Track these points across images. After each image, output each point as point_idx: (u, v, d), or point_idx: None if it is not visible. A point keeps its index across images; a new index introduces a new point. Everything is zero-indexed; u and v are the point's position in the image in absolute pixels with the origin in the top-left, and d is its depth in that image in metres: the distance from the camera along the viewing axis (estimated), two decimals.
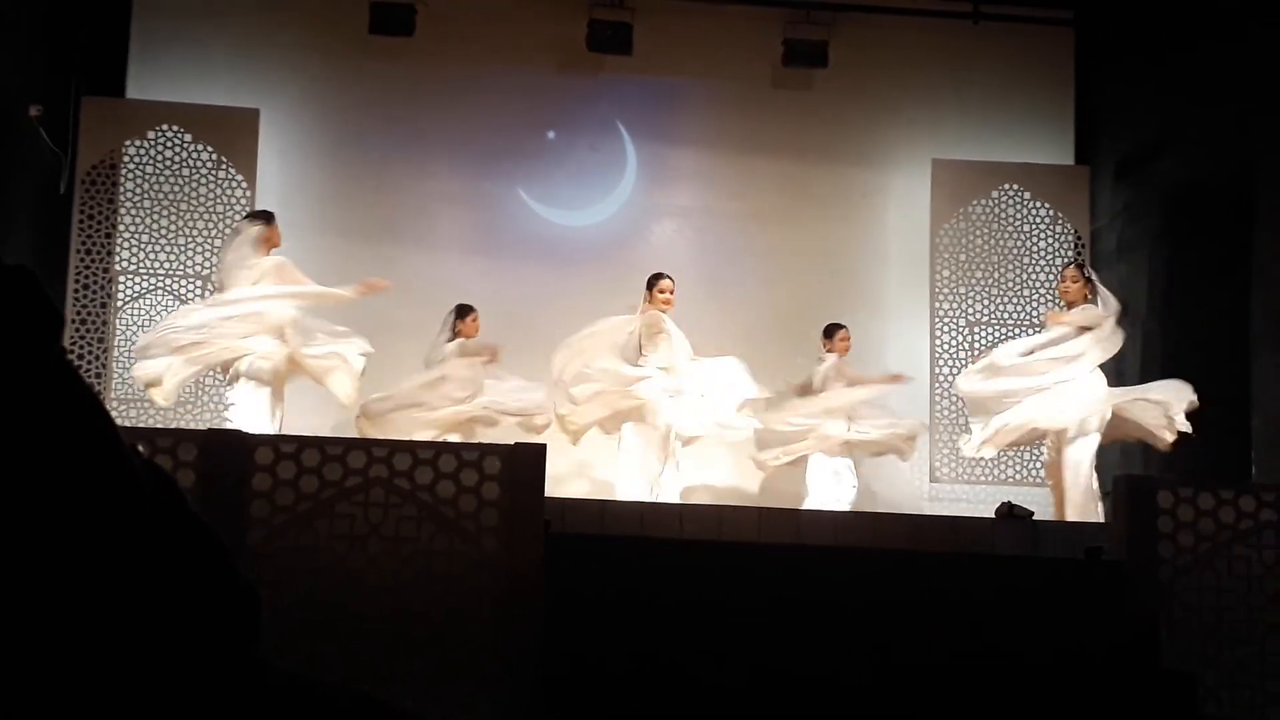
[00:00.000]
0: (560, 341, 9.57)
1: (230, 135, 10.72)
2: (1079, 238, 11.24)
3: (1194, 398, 8.83)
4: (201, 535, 1.11)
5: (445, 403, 9.35)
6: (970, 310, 11.18)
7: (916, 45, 11.56)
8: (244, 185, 10.66)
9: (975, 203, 11.28)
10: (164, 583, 1.06)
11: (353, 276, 10.84)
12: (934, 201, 11.25)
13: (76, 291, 10.38)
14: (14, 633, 1.00)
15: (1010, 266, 11.22)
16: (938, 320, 11.16)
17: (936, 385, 11.07)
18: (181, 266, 10.55)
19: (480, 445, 6.57)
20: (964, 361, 11.10)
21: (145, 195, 10.60)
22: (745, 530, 8.13)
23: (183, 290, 10.54)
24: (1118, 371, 10.39)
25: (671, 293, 9.54)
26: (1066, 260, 10.70)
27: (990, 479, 10.79)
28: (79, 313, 10.33)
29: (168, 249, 10.57)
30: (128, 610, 1.04)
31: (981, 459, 10.43)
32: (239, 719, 1.08)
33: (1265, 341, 8.98)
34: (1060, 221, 11.30)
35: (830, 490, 9.72)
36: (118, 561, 1.04)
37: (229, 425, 8.26)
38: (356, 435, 8.82)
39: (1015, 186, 11.32)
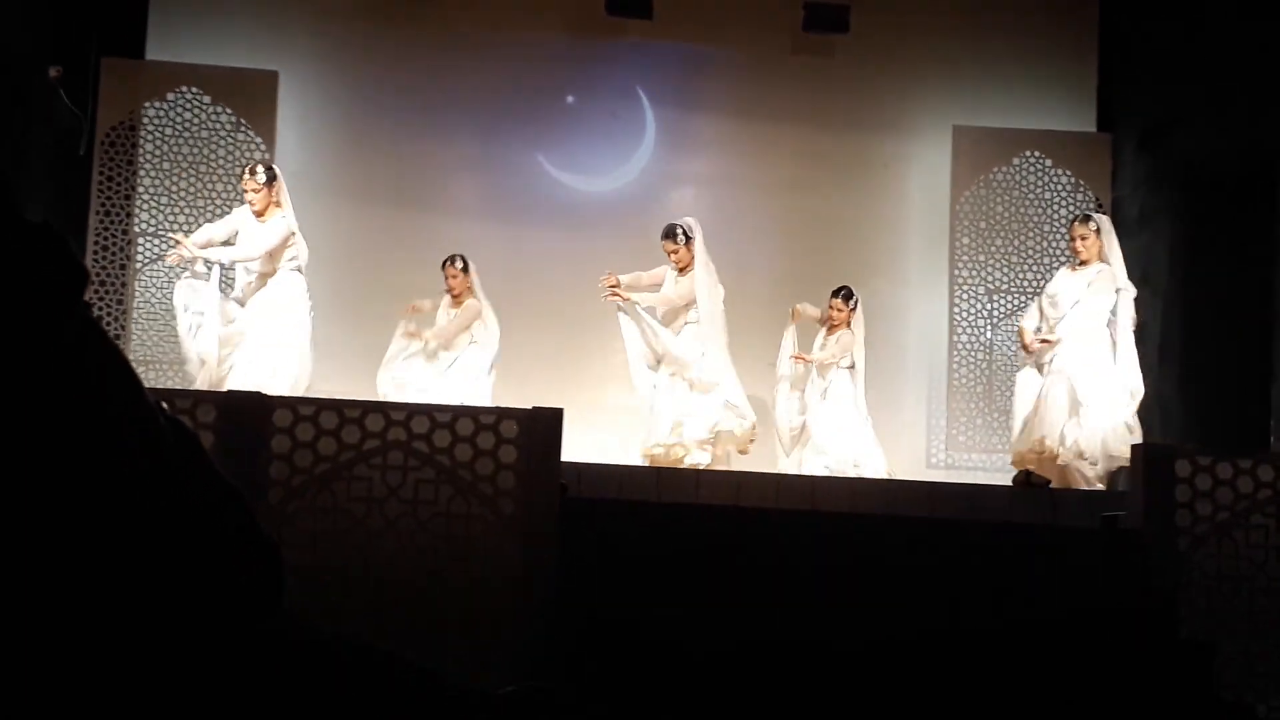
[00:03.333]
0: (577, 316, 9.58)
1: (249, 98, 10.71)
2: (1100, 206, 11.17)
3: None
4: (224, 491, 1.12)
5: None
6: (990, 278, 11.14)
7: (938, 10, 11.48)
8: (263, 148, 10.66)
9: (996, 170, 11.23)
10: (188, 537, 1.07)
11: (369, 240, 10.87)
12: (955, 169, 11.20)
13: (96, 253, 10.40)
14: (37, 587, 1.01)
15: (1031, 234, 11.17)
16: (957, 288, 11.12)
17: (955, 353, 11.05)
18: (200, 229, 10.55)
19: (498, 409, 6.58)
20: (983, 329, 11.08)
21: (164, 157, 10.61)
22: (762, 496, 8.13)
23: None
24: (1139, 340, 10.35)
25: (671, 250, 9.53)
26: (1074, 215, 10.48)
27: (1007, 447, 10.78)
28: (98, 274, 10.35)
29: (187, 211, 10.58)
30: (152, 565, 1.05)
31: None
32: (263, 673, 1.09)
33: None
34: (1082, 189, 11.24)
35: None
36: (142, 516, 1.05)
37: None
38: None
39: (1037, 154, 11.26)
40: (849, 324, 9.81)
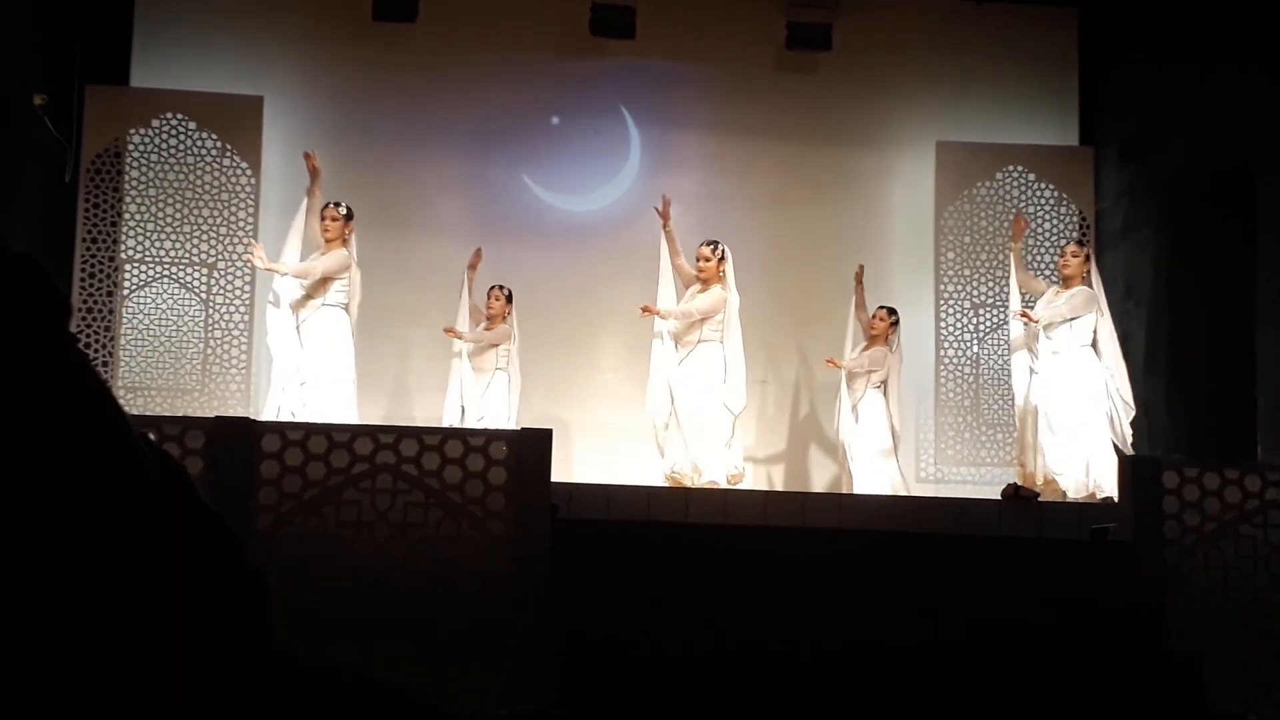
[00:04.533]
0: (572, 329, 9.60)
1: (234, 123, 10.71)
2: (1083, 218, 11.22)
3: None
4: (211, 523, 1.12)
5: None
6: (975, 292, 11.17)
7: (920, 27, 11.53)
8: (249, 173, 10.66)
9: (980, 185, 11.27)
10: (173, 570, 1.07)
11: (357, 263, 10.88)
12: (938, 184, 11.24)
13: (82, 280, 10.39)
14: (21, 622, 1.01)
15: None
16: (943, 303, 11.15)
17: (941, 368, 11.06)
18: (187, 254, 10.56)
19: (487, 431, 6.59)
20: (969, 344, 11.11)
21: (150, 183, 10.60)
22: (751, 514, 8.14)
23: (188, 278, 10.56)
24: (1124, 352, 10.39)
25: (704, 258, 9.65)
26: (1068, 238, 10.67)
27: (995, 461, 10.80)
28: (85, 301, 10.34)
29: (173, 237, 10.58)
30: (137, 598, 1.05)
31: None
32: (250, 705, 1.09)
33: (1270, 320, 8.97)
34: (1065, 203, 11.28)
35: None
36: (126, 549, 1.05)
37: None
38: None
39: (1019, 168, 11.30)
40: (886, 339, 9.91)
